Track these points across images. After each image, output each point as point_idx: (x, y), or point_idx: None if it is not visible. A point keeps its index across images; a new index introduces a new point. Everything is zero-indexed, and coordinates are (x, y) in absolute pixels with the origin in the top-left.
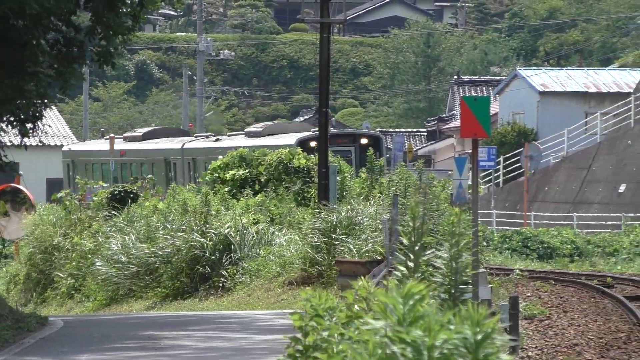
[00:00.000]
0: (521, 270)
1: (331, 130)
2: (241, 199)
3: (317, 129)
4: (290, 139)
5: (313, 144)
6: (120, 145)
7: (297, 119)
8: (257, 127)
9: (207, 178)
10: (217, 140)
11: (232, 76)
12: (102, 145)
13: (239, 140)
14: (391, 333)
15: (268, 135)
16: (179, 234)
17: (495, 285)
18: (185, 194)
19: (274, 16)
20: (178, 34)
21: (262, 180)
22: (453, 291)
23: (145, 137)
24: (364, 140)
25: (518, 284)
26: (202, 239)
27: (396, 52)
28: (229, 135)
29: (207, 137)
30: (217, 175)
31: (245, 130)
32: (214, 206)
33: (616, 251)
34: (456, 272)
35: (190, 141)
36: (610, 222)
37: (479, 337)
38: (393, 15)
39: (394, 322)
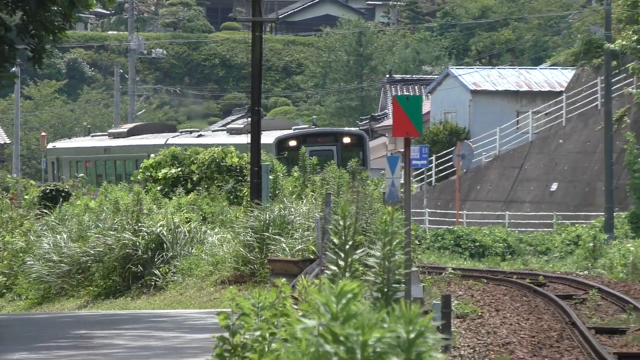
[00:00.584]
0: (453, 269)
1: (311, 128)
2: (173, 197)
3: (299, 126)
4: (269, 137)
5: (293, 143)
6: (104, 141)
7: (229, 118)
8: (238, 123)
9: (139, 177)
10: (199, 136)
11: (163, 74)
12: (88, 142)
13: (221, 137)
14: (324, 331)
15: (249, 132)
16: (110, 232)
17: (427, 284)
18: (117, 193)
19: (206, 15)
20: (110, 32)
21: (195, 178)
22: (386, 290)
23: (130, 133)
24: (346, 140)
25: (450, 283)
26: (134, 238)
27: (328, 50)
28: (212, 131)
29: (190, 132)
30: (149, 173)
31: (228, 127)
32: (146, 205)
33: (548, 250)
34: (389, 270)
35: (173, 137)
36: (542, 221)
37: (412, 335)
38: (325, 14)
39: (327, 321)
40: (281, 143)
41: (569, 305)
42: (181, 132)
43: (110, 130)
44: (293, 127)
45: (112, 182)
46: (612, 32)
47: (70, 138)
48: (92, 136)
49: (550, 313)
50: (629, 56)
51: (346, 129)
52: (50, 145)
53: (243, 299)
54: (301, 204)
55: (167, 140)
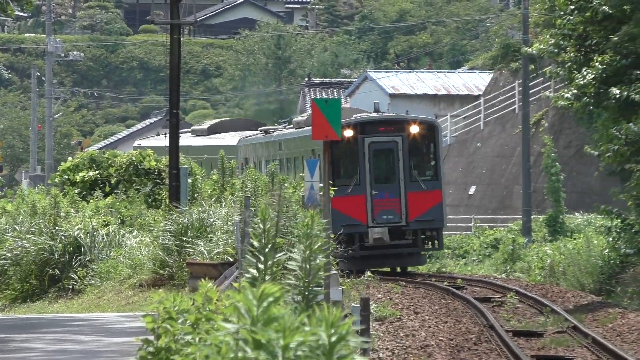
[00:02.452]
0: (372, 272)
1: (372, 115)
2: (91, 200)
3: (361, 114)
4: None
5: (349, 132)
6: (186, 140)
7: (147, 121)
8: (303, 115)
9: (56, 180)
10: (267, 133)
11: (81, 77)
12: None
13: (290, 131)
14: (245, 335)
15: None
16: (27, 235)
17: (346, 287)
18: (35, 196)
19: (124, 17)
20: (27, 34)
21: (113, 182)
22: (306, 293)
23: (211, 130)
24: (414, 129)
25: (369, 286)
26: (51, 241)
27: (247, 53)
28: (283, 127)
29: (266, 131)
30: (66, 176)
31: (294, 120)
32: (63, 208)
33: (466, 253)
34: (309, 274)
35: (246, 136)
36: (460, 224)
37: (334, 338)
38: (243, 17)
39: (248, 324)
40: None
41: (487, 308)
42: (260, 130)
43: (193, 127)
44: (354, 115)
45: None
46: (530, 36)
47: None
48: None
49: (469, 316)
50: (546, 60)
51: (414, 115)
52: (136, 143)
53: (170, 303)
54: (220, 207)
55: (240, 139)
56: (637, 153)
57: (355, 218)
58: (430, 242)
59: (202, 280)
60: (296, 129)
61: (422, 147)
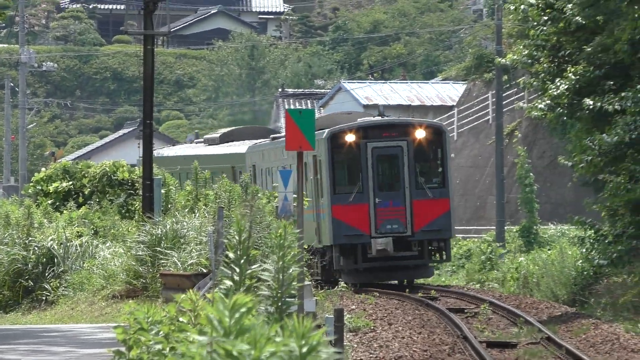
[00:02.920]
0: (346, 283)
1: (375, 119)
2: (64, 211)
3: (365, 118)
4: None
5: (351, 137)
6: (198, 149)
7: (121, 132)
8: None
9: (29, 190)
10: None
11: (54, 88)
12: (178, 150)
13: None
14: (216, 346)
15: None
16: (1, 247)
17: (320, 297)
18: (8, 207)
19: (97, 28)
20: (0, 45)
21: (86, 192)
22: (280, 304)
23: (223, 139)
24: (419, 133)
25: (343, 297)
26: (25, 252)
27: (220, 64)
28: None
29: (274, 138)
30: (40, 187)
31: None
32: (36, 219)
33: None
34: (283, 284)
35: (254, 143)
36: None
37: (305, 349)
38: (217, 28)
39: (220, 335)
40: (336, 138)
41: (461, 319)
42: (272, 138)
43: (206, 136)
44: (359, 119)
45: None
46: (503, 47)
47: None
48: (196, 142)
49: (443, 327)
50: (519, 70)
51: (420, 119)
52: (156, 153)
53: (141, 314)
54: (194, 218)
55: (249, 146)
56: (611, 164)
57: (357, 228)
58: (437, 254)
59: (182, 292)
60: None
61: (429, 153)
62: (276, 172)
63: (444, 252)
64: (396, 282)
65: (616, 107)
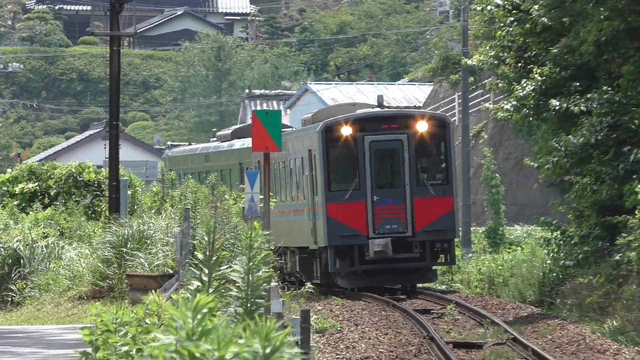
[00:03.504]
0: (313, 284)
1: (373, 110)
2: (30, 212)
3: (365, 110)
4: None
5: (347, 130)
6: (209, 146)
7: (87, 133)
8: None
9: None
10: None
11: (20, 89)
12: (192, 147)
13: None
14: (181, 348)
15: None
16: None
17: (287, 298)
18: None
19: (63, 29)
20: None
21: (52, 193)
22: (248, 305)
23: (235, 135)
24: (421, 126)
25: (310, 298)
26: None
27: (187, 65)
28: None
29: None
30: (5, 188)
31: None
32: (2, 220)
33: None
34: (251, 285)
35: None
36: None
37: (269, 350)
38: (184, 29)
39: (183, 337)
40: (330, 131)
41: (427, 320)
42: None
43: (218, 133)
44: (358, 111)
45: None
46: (469, 48)
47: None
48: (211, 140)
49: (409, 328)
50: (485, 72)
51: (422, 110)
52: (164, 155)
53: (107, 315)
54: (160, 219)
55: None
56: (577, 165)
57: (354, 228)
58: (440, 256)
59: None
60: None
61: (432, 147)
62: (278, 167)
63: (447, 254)
64: (399, 286)
65: (582, 108)
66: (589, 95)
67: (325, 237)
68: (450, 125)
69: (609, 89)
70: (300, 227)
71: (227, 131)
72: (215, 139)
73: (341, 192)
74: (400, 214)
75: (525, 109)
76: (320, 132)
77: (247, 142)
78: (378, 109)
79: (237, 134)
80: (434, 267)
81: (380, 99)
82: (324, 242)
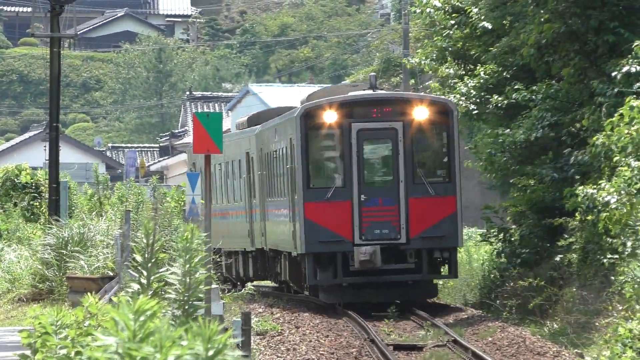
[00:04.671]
0: (254, 286)
1: (363, 92)
2: None
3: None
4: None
5: (331, 116)
6: (226, 135)
7: (27, 134)
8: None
9: None
10: None
11: None
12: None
13: None
14: (122, 350)
15: None
16: None
17: (228, 301)
18: None
19: (3, 30)
20: None
21: None
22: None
23: (251, 122)
24: (421, 112)
25: (251, 300)
26: None
27: (127, 67)
28: None
29: None
30: None
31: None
32: None
33: None
34: (190, 288)
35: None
36: None
37: (211, 352)
38: (124, 30)
39: (124, 339)
40: (311, 116)
41: (368, 322)
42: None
43: (236, 121)
44: (350, 93)
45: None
46: (410, 51)
47: None
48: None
49: (350, 330)
50: (426, 75)
51: (421, 94)
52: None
53: (46, 317)
54: (100, 221)
55: (256, 130)
56: (517, 164)
57: (336, 232)
58: (443, 267)
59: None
60: None
61: (432, 137)
62: (265, 158)
63: (449, 265)
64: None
65: (526, 99)
66: (534, 88)
67: (303, 242)
68: (455, 112)
69: (554, 82)
70: (283, 230)
71: (244, 118)
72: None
73: (322, 190)
74: (393, 217)
75: (467, 106)
76: (299, 118)
77: (257, 129)
78: (370, 92)
79: (254, 121)
80: (434, 281)
81: (372, 78)
82: (301, 249)
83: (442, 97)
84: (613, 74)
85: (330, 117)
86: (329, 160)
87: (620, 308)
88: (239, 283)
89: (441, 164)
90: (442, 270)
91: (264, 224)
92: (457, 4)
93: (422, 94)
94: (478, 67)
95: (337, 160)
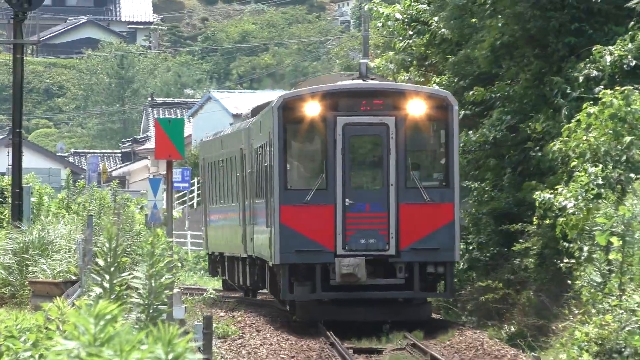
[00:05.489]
0: (215, 290)
1: (351, 82)
2: None
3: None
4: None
5: (313, 107)
6: (229, 128)
7: None
8: None
9: None
10: None
11: None
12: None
13: None
14: (83, 353)
15: None
16: None
17: (189, 305)
18: None
19: None
20: None
21: None
22: (151, 311)
23: (254, 112)
24: (416, 106)
25: (213, 304)
26: None
27: (90, 73)
28: None
29: None
30: None
31: None
32: None
33: None
34: (153, 292)
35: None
36: None
37: (171, 356)
38: (87, 37)
39: (85, 343)
40: (291, 108)
41: (329, 326)
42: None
43: (243, 113)
44: (339, 83)
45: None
46: (370, 58)
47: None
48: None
49: (310, 334)
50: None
51: (417, 85)
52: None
53: (10, 322)
54: (63, 226)
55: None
56: (475, 167)
57: (316, 241)
58: (439, 284)
59: (52, 299)
60: None
61: (428, 136)
62: (253, 153)
63: (443, 282)
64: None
65: (486, 96)
66: (493, 88)
67: (277, 251)
68: (455, 107)
69: (511, 84)
70: (263, 236)
71: (249, 110)
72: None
73: (301, 192)
74: (381, 225)
75: None
76: (277, 110)
77: (250, 121)
78: (360, 81)
79: (256, 112)
80: (428, 299)
81: (363, 66)
82: (275, 258)
83: (442, 90)
84: (574, 74)
85: (312, 109)
86: (310, 159)
87: (577, 312)
88: (248, 291)
89: (438, 166)
90: (437, 287)
91: (252, 228)
92: (416, 14)
93: (417, 86)
94: (433, 77)
95: (319, 158)
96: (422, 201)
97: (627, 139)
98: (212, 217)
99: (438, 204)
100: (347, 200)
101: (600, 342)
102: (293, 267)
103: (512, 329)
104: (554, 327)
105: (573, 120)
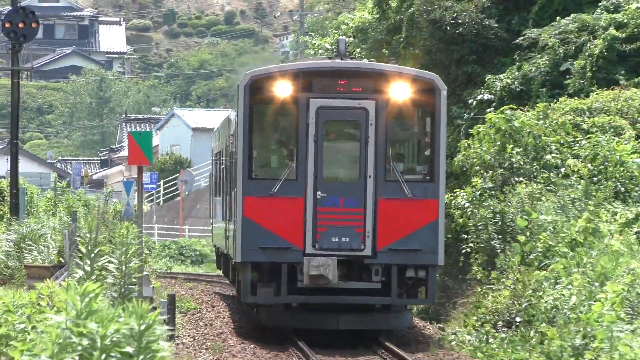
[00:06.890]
0: (178, 273)
1: (327, 61)
2: None
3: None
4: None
5: (284, 87)
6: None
7: None
8: None
9: None
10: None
11: None
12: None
13: None
14: (71, 325)
15: None
16: None
17: (157, 285)
18: None
19: None
20: None
21: None
22: (123, 290)
23: None
24: (399, 89)
25: (176, 284)
26: None
27: (74, 94)
28: None
29: None
30: None
31: None
32: None
33: None
34: (125, 274)
35: None
36: None
37: (143, 327)
38: (72, 65)
39: (73, 316)
40: (259, 88)
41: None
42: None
43: None
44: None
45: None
46: None
47: None
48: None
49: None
50: None
51: (401, 67)
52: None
53: (7, 298)
54: (54, 220)
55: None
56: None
57: (282, 237)
58: (420, 290)
59: (43, 280)
60: None
61: (412, 123)
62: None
63: (424, 288)
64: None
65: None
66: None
67: (239, 247)
68: (444, 92)
69: None
70: (218, 232)
71: None
72: None
73: (267, 182)
74: (356, 222)
75: None
76: (243, 89)
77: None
78: (338, 60)
79: None
80: (408, 306)
81: (341, 43)
82: (236, 256)
83: (429, 72)
84: (469, 101)
85: (282, 89)
86: (279, 145)
87: (474, 291)
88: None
89: (422, 157)
90: (418, 292)
91: (226, 223)
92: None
93: (401, 66)
94: None
95: (288, 145)
96: (403, 196)
97: (509, 147)
98: (213, 210)
99: (421, 200)
100: (318, 193)
101: (496, 312)
102: (256, 265)
103: (421, 307)
104: (456, 303)
105: (469, 138)
